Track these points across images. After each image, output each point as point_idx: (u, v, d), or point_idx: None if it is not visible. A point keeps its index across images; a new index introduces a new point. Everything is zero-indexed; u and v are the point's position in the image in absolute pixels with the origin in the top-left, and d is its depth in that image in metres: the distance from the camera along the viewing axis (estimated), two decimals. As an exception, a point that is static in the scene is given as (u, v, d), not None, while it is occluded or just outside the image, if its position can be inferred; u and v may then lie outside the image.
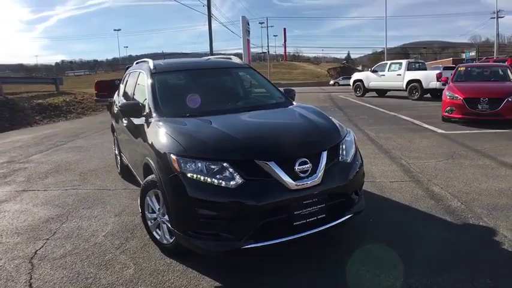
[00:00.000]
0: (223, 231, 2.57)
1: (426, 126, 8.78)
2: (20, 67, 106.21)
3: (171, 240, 2.94)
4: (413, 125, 9.16)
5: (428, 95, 16.72)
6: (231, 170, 2.59)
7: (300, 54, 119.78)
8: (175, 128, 3.02)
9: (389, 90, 18.68)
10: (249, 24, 29.17)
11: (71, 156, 7.11)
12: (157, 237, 3.10)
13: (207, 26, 27.91)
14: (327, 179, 2.76)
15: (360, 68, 70.74)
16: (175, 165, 2.66)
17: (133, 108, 3.58)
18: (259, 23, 72.51)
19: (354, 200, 3.03)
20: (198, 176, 2.60)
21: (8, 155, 7.56)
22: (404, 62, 18.28)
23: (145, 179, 3.14)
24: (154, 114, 3.37)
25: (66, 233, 3.62)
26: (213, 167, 2.61)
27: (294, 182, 2.62)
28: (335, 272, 2.73)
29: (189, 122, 3.16)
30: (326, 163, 2.80)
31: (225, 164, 2.60)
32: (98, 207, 4.26)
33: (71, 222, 3.89)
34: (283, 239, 2.61)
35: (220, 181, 2.56)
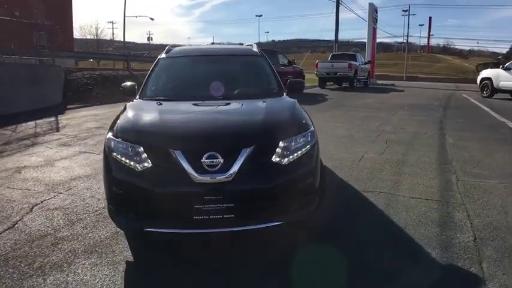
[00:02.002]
0: (130, 210, 2.71)
1: (537, 141, 7.13)
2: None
3: None
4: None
5: None
6: (144, 154, 2.68)
7: (451, 46, 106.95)
8: (127, 110, 3.24)
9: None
10: (377, 12, 27.42)
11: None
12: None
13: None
14: (243, 178, 2.57)
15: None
16: (107, 144, 2.88)
17: (129, 89, 3.87)
18: (403, 10, 67.47)
19: (287, 206, 2.74)
20: (119, 156, 2.75)
21: (102, 121, 8.85)
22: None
23: None
24: (137, 96, 3.66)
25: (76, 191, 4.18)
26: (131, 149, 2.74)
27: (196, 175, 2.53)
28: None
29: (149, 105, 3.37)
30: (247, 161, 2.60)
31: (140, 149, 2.70)
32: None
33: (87, 182, 4.45)
34: (182, 231, 2.61)
35: (132, 163, 2.68)
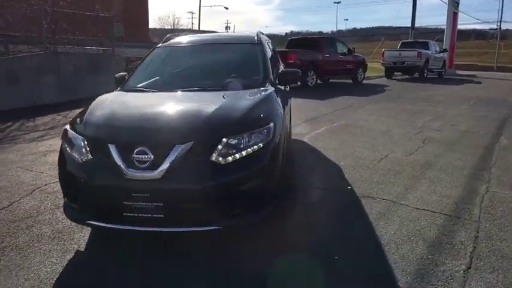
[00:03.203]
0: (74, 201, 2.69)
1: None
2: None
3: None
4: None
5: None
6: (87, 147, 2.64)
7: None
8: (94, 101, 3.23)
9: None
10: (459, -5, 24.68)
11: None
12: None
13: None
14: (175, 177, 2.40)
15: None
16: (62, 134, 2.90)
17: (119, 80, 3.88)
18: (498, -8, 60.16)
19: (227, 210, 2.50)
20: (67, 147, 2.76)
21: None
22: None
23: None
24: (119, 87, 3.64)
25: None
26: (76, 141, 2.71)
27: (126, 170, 2.44)
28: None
29: (114, 97, 3.36)
30: (180, 159, 2.42)
31: (84, 141, 2.67)
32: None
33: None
34: (114, 226, 2.54)
35: (76, 155, 2.65)
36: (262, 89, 3.37)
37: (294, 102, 10.64)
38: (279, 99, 3.37)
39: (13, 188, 4.01)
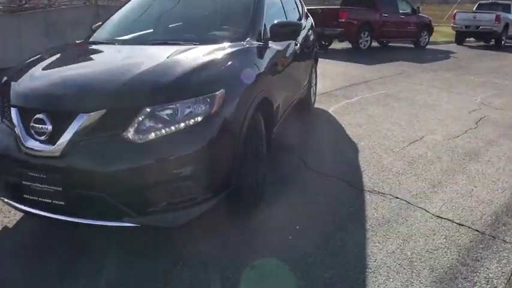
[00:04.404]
0: None
1: None
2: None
3: None
4: None
5: None
6: (1, 108, 2.12)
7: None
8: (37, 55, 2.63)
9: None
10: None
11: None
12: None
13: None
14: (76, 155, 1.80)
15: None
16: None
17: (94, 31, 3.27)
18: None
19: (144, 204, 1.86)
20: None
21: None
22: None
23: None
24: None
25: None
26: None
27: (24, 142, 1.88)
28: None
29: (60, 51, 2.75)
30: (85, 132, 1.81)
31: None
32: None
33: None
34: (18, 206, 2.01)
35: None
36: (235, 43, 2.55)
37: (335, 65, 9.59)
38: (262, 61, 2.57)
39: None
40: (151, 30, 3.08)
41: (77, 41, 3.17)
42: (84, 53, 2.72)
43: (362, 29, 11.79)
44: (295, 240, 2.27)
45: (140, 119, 1.83)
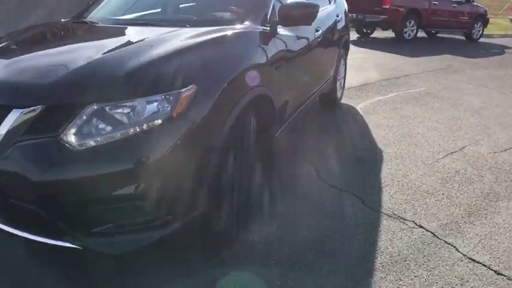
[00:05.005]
0: None
1: None
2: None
3: None
4: None
5: None
6: None
7: None
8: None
9: None
10: None
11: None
12: None
13: None
14: (7, 160, 1.45)
15: None
16: None
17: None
18: None
19: (86, 224, 1.50)
20: None
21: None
22: None
23: None
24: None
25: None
26: None
27: None
28: None
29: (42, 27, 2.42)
30: (19, 130, 1.45)
31: None
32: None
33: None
34: None
35: None
36: (229, 27, 2.08)
37: (373, 55, 8.80)
38: (263, 49, 2.11)
39: None
40: (132, 9, 2.67)
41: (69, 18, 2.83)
42: (43, 34, 2.34)
43: (408, 17, 10.87)
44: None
45: (83, 118, 1.44)
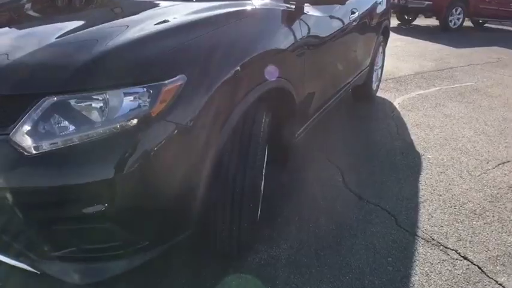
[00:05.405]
0: None
1: None
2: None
3: None
4: None
5: None
6: None
7: None
8: None
9: None
10: None
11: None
12: None
13: None
14: None
15: None
16: None
17: None
18: None
19: (39, 246, 1.21)
20: None
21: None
22: None
23: None
24: None
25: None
26: None
27: None
28: None
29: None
30: None
31: None
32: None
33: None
34: None
35: None
36: (245, 2, 1.69)
37: (414, 44, 8.12)
38: (283, 32, 1.73)
39: None
40: None
41: None
42: (28, 10, 2.02)
43: (454, 4, 10.06)
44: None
45: (38, 113, 1.12)
